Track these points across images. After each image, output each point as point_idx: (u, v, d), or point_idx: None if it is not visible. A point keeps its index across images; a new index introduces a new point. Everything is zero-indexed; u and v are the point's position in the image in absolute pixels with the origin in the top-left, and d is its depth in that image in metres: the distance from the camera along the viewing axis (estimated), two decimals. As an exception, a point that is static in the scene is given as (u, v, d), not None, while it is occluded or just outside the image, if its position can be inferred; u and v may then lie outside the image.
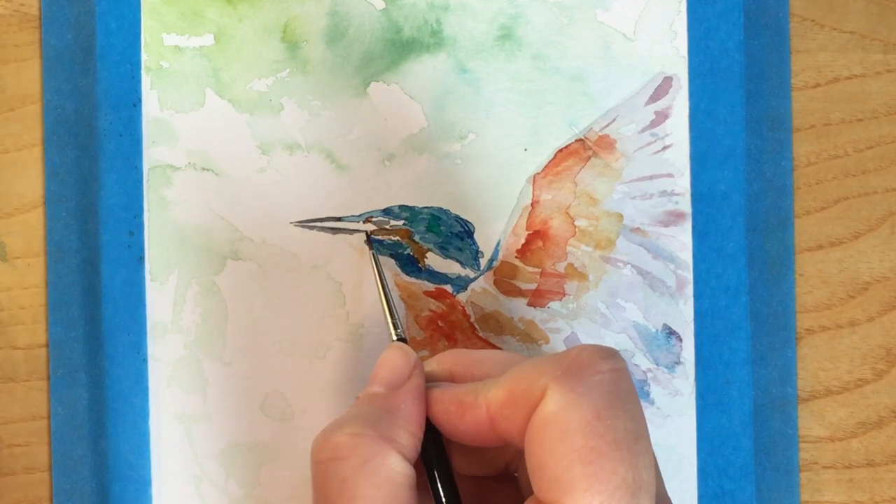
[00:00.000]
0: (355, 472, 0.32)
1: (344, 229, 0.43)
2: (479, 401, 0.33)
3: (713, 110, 0.43)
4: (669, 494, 0.42)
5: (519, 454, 0.36)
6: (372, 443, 0.33)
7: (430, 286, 0.43)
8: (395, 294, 0.43)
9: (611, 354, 0.32)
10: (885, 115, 0.44)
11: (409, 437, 0.34)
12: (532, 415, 0.31)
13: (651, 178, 0.43)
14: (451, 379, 0.36)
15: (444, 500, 0.34)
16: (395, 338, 0.38)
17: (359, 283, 0.43)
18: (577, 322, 0.43)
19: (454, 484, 0.34)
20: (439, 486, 0.34)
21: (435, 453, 0.35)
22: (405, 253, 0.43)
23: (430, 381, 0.36)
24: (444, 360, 0.36)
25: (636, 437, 0.31)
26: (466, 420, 0.33)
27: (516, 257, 0.43)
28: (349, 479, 0.32)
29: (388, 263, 0.43)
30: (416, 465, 0.34)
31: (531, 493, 0.31)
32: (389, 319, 0.39)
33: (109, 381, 0.42)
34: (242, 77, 0.43)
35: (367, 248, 0.42)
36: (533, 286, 0.43)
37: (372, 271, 0.42)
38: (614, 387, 0.31)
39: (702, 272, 0.43)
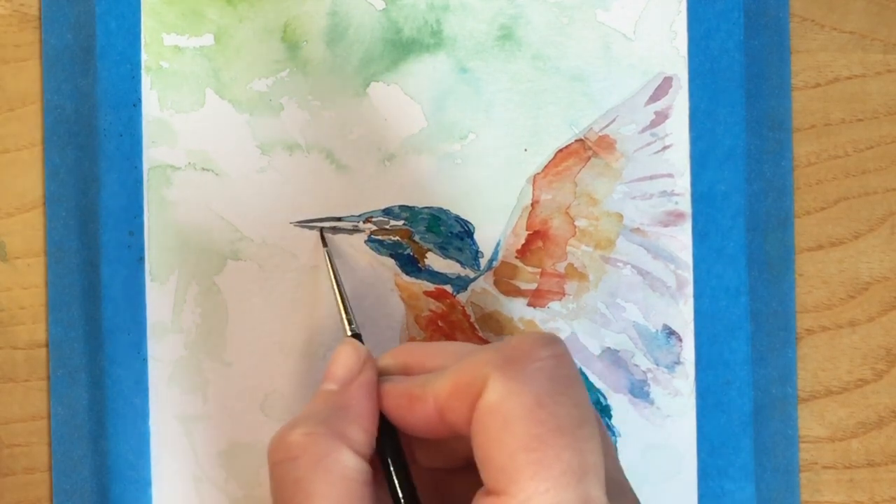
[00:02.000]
0: (308, 470, 0.32)
1: (344, 229, 0.43)
2: (427, 393, 0.33)
3: (713, 110, 0.43)
4: (670, 494, 0.43)
5: None
6: (324, 441, 0.33)
7: (430, 286, 0.43)
8: (395, 294, 0.43)
9: (551, 341, 0.32)
10: (885, 115, 0.44)
11: (361, 432, 0.34)
12: (476, 405, 0.31)
13: (651, 178, 0.43)
14: (406, 372, 0.36)
15: (399, 493, 0.34)
16: (349, 333, 0.38)
17: (359, 284, 0.43)
18: (577, 322, 0.43)
19: (409, 477, 0.34)
20: (394, 479, 0.34)
21: (389, 447, 0.35)
22: (405, 253, 0.43)
23: (385, 375, 0.36)
24: (398, 354, 0.36)
25: (580, 423, 0.30)
26: (416, 413, 0.33)
27: (516, 257, 0.43)
28: (303, 478, 0.32)
29: (388, 263, 0.43)
30: (372, 460, 0.34)
31: None
32: (344, 315, 0.39)
33: (109, 381, 0.42)
34: (242, 77, 0.43)
35: (322, 244, 0.42)
36: (533, 286, 0.43)
37: (326, 268, 0.42)
38: (555, 373, 0.31)
39: (702, 272, 0.43)
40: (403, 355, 0.36)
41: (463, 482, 0.36)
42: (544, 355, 0.31)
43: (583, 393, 0.32)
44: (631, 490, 0.34)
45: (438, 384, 0.33)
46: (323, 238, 0.42)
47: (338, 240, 0.43)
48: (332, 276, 0.40)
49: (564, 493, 0.29)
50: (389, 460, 0.34)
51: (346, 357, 0.36)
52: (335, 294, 0.40)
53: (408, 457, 0.35)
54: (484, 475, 0.31)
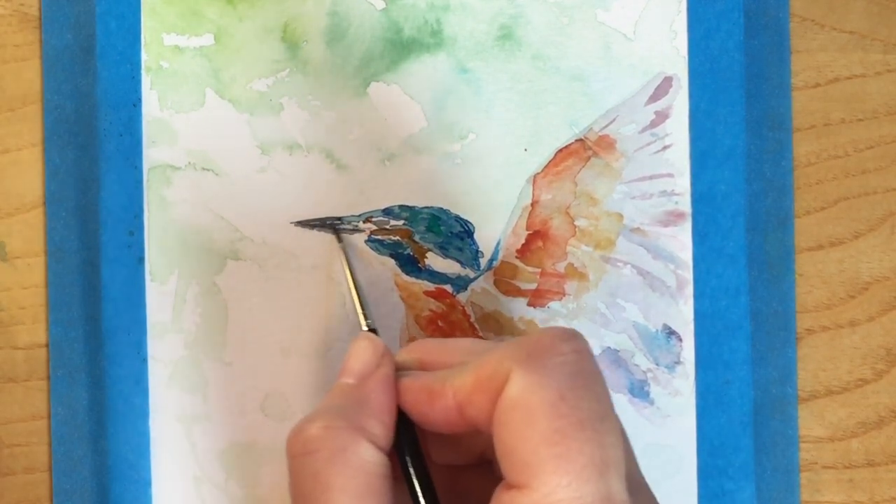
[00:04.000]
0: (327, 464, 0.32)
1: (344, 229, 0.43)
2: (447, 388, 0.33)
3: (713, 110, 0.43)
4: (670, 494, 0.43)
5: (493, 441, 0.36)
6: (343, 434, 0.33)
7: (430, 286, 0.43)
8: (395, 294, 0.43)
9: (572, 336, 0.32)
10: (885, 115, 0.44)
11: (380, 426, 0.34)
12: (498, 400, 0.31)
13: (651, 178, 0.43)
14: (422, 368, 0.36)
15: (417, 487, 0.34)
16: (365, 328, 0.38)
17: (359, 283, 0.43)
18: (577, 322, 0.43)
19: (427, 472, 0.34)
20: (412, 474, 0.34)
21: (407, 442, 0.35)
22: (405, 253, 0.43)
23: (401, 370, 0.36)
24: (414, 350, 0.36)
25: (601, 417, 0.31)
26: (435, 408, 0.34)
27: (516, 257, 0.43)
28: (322, 471, 0.32)
29: (389, 263, 0.43)
30: (389, 455, 0.34)
31: None
32: (360, 310, 0.39)
33: (109, 381, 0.42)
34: (242, 77, 0.43)
35: (337, 240, 0.42)
36: (533, 286, 0.43)
37: (341, 263, 0.42)
38: (577, 368, 0.31)
39: (702, 272, 0.43)
40: (419, 351, 0.36)
41: (475, 478, 0.36)
42: (566, 350, 0.32)
43: (604, 388, 0.32)
44: (648, 488, 0.34)
45: (459, 379, 0.33)
46: (338, 234, 0.42)
47: (342, 234, 0.43)
48: (347, 272, 0.40)
49: (586, 487, 0.30)
50: (408, 455, 0.34)
51: (363, 351, 0.36)
52: (350, 289, 0.40)
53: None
54: (505, 469, 0.31)
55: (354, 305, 0.39)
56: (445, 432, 0.34)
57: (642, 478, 0.34)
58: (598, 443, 0.30)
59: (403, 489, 0.34)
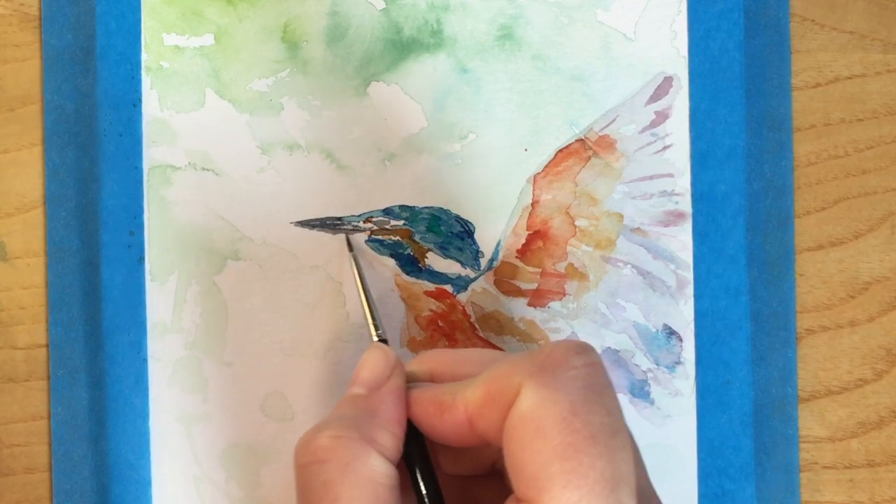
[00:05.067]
0: (337, 474, 0.32)
1: (344, 229, 0.43)
2: (457, 401, 0.33)
3: (713, 110, 0.43)
4: (670, 494, 0.43)
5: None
6: (353, 444, 0.33)
7: (431, 286, 0.43)
8: (395, 294, 0.43)
9: (584, 349, 0.32)
10: (885, 115, 0.44)
11: (390, 437, 0.34)
12: (508, 414, 0.31)
13: (651, 178, 0.43)
14: (432, 379, 0.36)
15: (425, 499, 0.34)
16: (375, 339, 0.38)
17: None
18: (578, 322, 0.43)
19: (436, 483, 0.34)
20: (421, 486, 0.34)
21: (416, 453, 0.35)
22: (405, 253, 0.43)
23: (412, 381, 0.36)
24: (425, 361, 0.36)
25: (613, 432, 0.30)
26: (445, 420, 0.33)
27: (516, 257, 0.43)
28: (331, 481, 0.32)
29: (389, 263, 0.43)
30: (399, 466, 0.34)
31: None
32: (370, 321, 0.39)
33: (109, 381, 0.42)
34: (242, 77, 0.43)
35: (348, 248, 0.42)
36: (533, 286, 0.43)
37: (352, 274, 0.42)
38: (589, 382, 0.31)
39: (702, 272, 0.43)
40: (430, 362, 0.36)
41: (486, 489, 0.36)
42: (578, 363, 0.31)
43: (615, 402, 0.31)
44: (658, 499, 0.34)
45: (469, 392, 0.33)
46: (349, 242, 0.42)
47: (338, 239, 0.43)
48: (358, 281, 0.40)
49: (597, 502, 0.29)
50: (417, 467, 0.34)
51: (374, 362, 0.36)
52: (361, 299, 0.40)
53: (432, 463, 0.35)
54: (515, 483, 0.31)
55: (365, 316, 0.39)
56: (455, 445, 0.34)
57: (653, 490, 0.34)
58: (609, 458, 0.30)
59: (413, 500, 0.34)
